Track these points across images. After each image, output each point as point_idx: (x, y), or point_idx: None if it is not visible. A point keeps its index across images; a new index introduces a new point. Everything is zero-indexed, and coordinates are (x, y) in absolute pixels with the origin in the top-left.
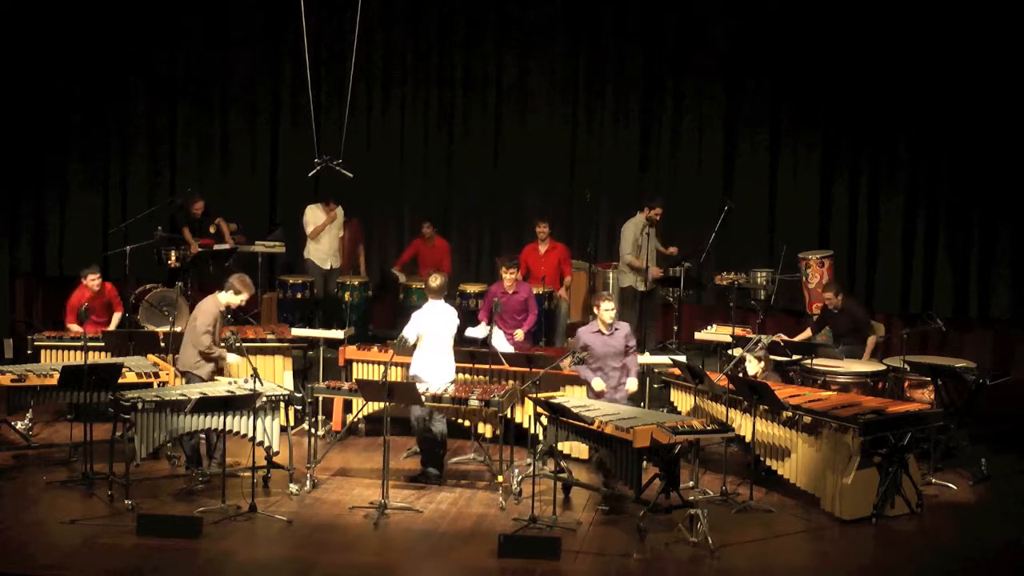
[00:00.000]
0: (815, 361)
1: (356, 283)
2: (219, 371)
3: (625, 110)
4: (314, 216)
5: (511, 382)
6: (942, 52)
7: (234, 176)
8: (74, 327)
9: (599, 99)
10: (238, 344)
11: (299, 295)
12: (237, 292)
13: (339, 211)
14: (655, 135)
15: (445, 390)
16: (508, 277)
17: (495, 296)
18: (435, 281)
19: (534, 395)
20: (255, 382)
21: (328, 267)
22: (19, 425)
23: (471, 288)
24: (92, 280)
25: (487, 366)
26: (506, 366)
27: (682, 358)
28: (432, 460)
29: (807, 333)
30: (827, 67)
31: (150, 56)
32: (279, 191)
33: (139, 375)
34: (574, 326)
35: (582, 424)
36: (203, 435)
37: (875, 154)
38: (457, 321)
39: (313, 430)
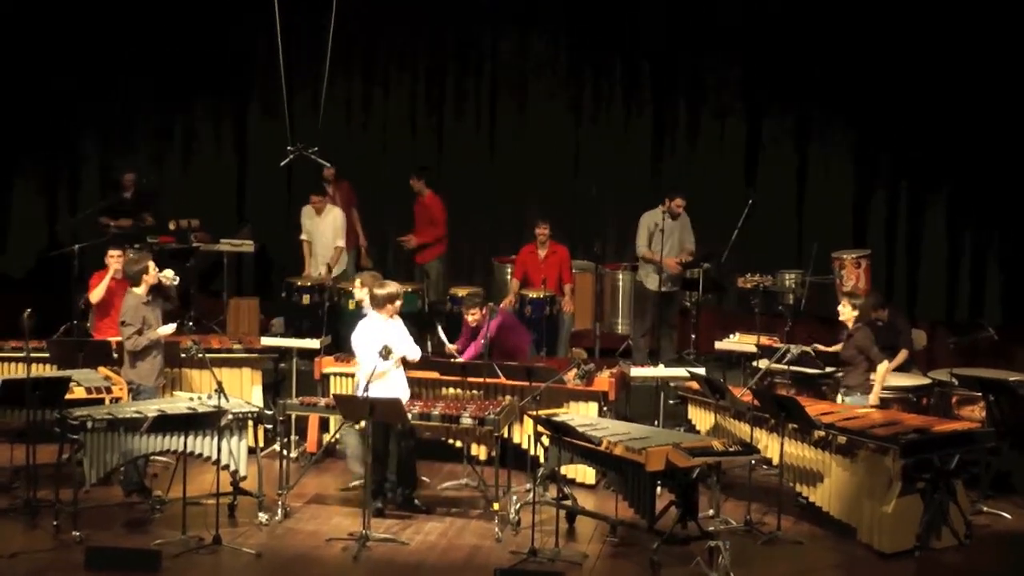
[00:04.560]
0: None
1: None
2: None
3: (636, 95)
4: (306, 220)
5: (508, 398)
6: (995, 39)
7: (197, 167)
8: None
9: (607, 83)
10: (200, 355)
11: (306, 299)
12: (144, 271)
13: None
14: (670, 122)
15: (433, 407)
16: (470, 317)
17: (469, 328)
18: (380, 289)
19: (534, 412)
20: (220, 398)
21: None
22: None
23: (463, 292)
24: (113, 258)
25: (481, 380)
26: (503, 380)
27: (701, 370)
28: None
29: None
30: (861, 46)
31: (103, 35)
32: (247, 183)
33: (89, 390)
34: (578, 335)
35: (588, 445)
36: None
37: (917, 144)
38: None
39: (285, 452)
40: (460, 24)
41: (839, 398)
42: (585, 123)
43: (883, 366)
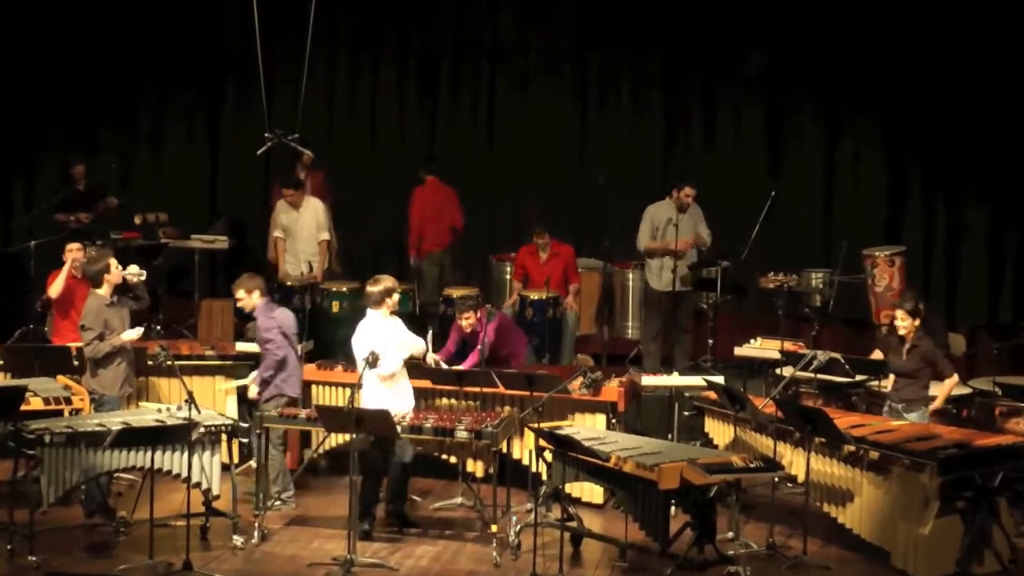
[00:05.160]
0: (884, 383)
1: (345, 289)
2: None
3: (647, 80)
4: (283, 215)
5: (507, 409)
6: None
7: (167, 157)
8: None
9: (614, 68)
10: (169, 362)
11: (296, 301)
12: (105, 270)
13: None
14: (683, 109)
15: (424, 419)
16: (465, 322)
17: (460, 335)
18: (374, 285)
19: (536, 425)
20: (190, 409)
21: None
22: None
23: (458, 293)
24: (72, 251)
25: (478, 389)
26: (501, 389)
27: (719, 379)
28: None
29: (877, 354)
30: (893, 25)
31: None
32: (221, 173)
33: (46, 401)
34: (585, 340)
35: (595, 461)
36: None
37: (956, 132)
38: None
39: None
40: (455, 4)
41: (885, 411)
42: (591, 110)
43: (954, 379)
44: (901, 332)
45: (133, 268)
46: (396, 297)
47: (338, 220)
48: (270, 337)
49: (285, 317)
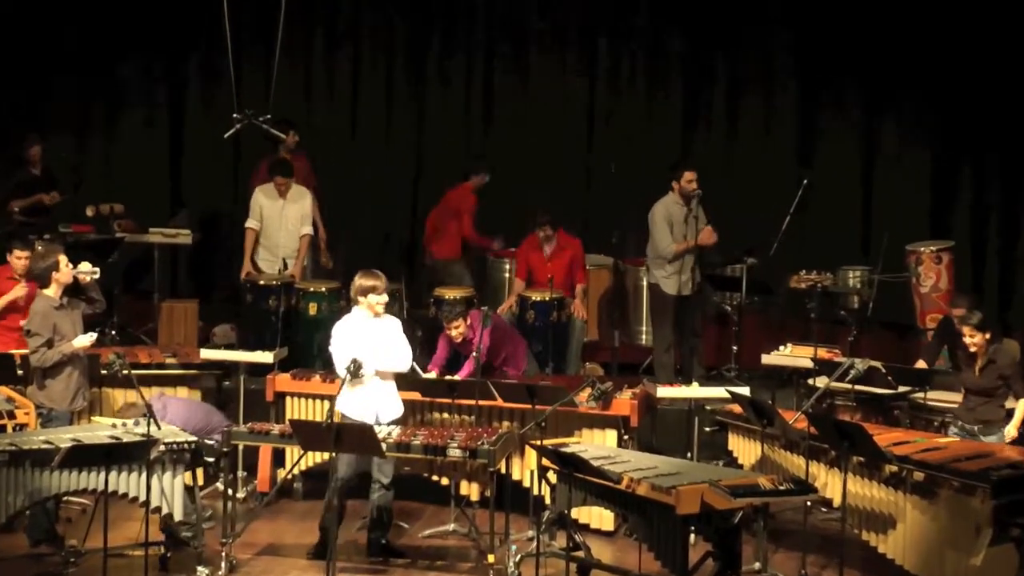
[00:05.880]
0: (930, 395)
1: (323, 290)
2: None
3: (663, 58)
4: (264, 202)
5: (506, 424)
6: None
7: (122, 140)
8: None
9: (627, 42)
10: (126, 371)
11: (271, 302)
12: (53, 268)
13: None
14: (705, 89)
15: (413, 436)
16: (455, 332)
17: (450, 343)
18: (361, 278)
19: (538, 442)
20: (149, 424)
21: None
22: None
23: (450, 294)
24: (20, 259)
25: (472, 402)
26: (499, 401)
27: (744, 390)
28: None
29: (922, 362)
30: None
31: None
32: (184, 160)
33: None
34: (593, 347)
35: (605, 483)
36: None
37: (1009, 114)
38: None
39: (231, 491)
40: None
41: (951, 432)
42: (601, 89)
43: None
44: (972, 350)
45: (85, 266)
46: (375, 299)
47: (323, 210)
48: None
49: None
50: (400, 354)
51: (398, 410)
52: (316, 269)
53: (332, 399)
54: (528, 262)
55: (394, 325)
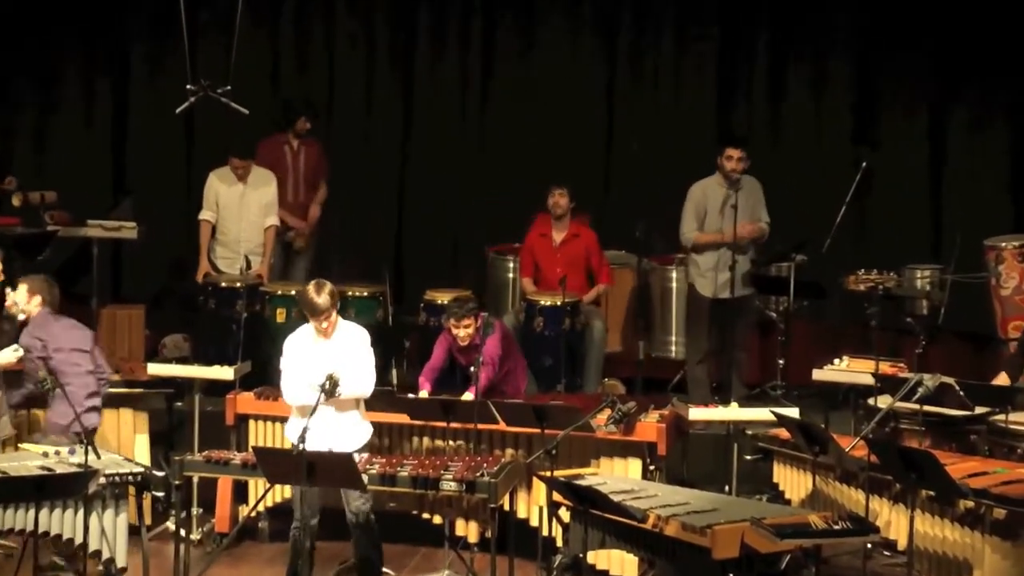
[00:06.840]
0: (1013, 417)
1: (293, 293)
2: None
3: (696, 15)
4: (220, 188)
5: (510, 452)
6: None
7: (56, 118)
8: None
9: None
10: (58, 389)
11: (235, 308)
12: None
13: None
14: (742, 60)
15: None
16: (463, 332)
17: (450, 349)
18: (302, 297)
19: (548, 473)
20: (87, 453)
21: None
22: None
23: (446, 296)
24: None
25: (471, 426)
26: (502, 426)
27: (792, 412)
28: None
29: (1003, 378)
30: None
31: None
32: (129, 141)
33: None
34: (614, 360)
35: (628, 521)
36: None
37: None
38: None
39: (184, 531)
40: None
41: None
42: (620, 60)
43: None
44: None
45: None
46: (314, 323)
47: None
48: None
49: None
50: (360, 375)
51: (359, 439)
52: (286, 268)
53: (304, 424)
54: (534, 255)
55: (357, 339)
